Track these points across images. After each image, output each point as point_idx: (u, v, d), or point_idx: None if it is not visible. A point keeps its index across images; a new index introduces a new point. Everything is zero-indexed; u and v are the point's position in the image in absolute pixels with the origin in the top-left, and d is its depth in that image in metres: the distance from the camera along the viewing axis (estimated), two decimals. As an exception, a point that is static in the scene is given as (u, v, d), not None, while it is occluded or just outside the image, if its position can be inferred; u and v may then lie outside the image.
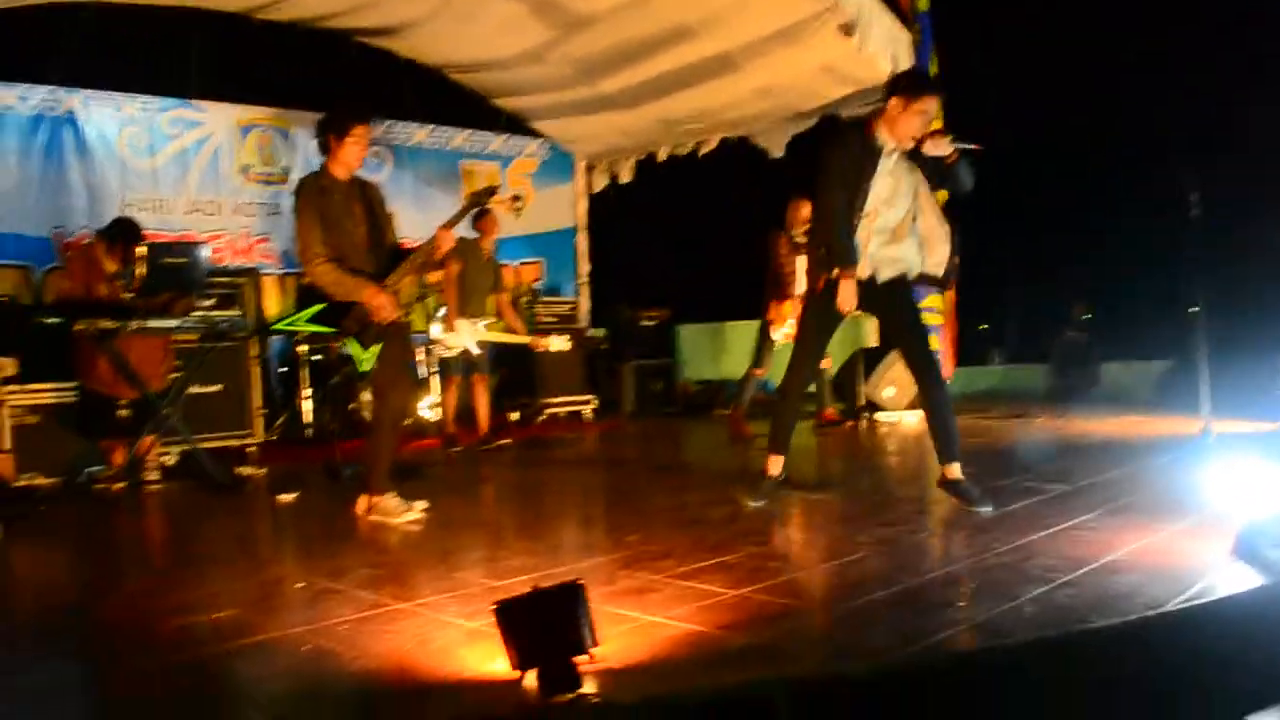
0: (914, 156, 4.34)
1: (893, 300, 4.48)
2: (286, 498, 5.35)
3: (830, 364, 7.87)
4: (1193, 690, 2.50)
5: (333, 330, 4.61)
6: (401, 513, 4.52)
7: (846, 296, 4.28)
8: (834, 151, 4.36)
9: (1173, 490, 4.38)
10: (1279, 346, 7.04)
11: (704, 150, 10.39)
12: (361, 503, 4.62)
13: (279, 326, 4.68)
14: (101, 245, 6.13)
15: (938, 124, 4.93)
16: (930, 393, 4.35)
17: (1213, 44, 11.27)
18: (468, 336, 7.28)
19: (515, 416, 9.21)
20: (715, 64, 8.80)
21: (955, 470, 4.25)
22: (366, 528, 4.51)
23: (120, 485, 5.79)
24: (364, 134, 4.69)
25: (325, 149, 4.71)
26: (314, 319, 4.60)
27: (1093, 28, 12.18)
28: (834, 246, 4.31)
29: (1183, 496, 4.15)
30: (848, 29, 7.88)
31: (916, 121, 4.21)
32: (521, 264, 10.77)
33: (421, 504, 4.61)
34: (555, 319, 9.70)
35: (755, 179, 10.07)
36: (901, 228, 4.39)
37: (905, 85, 4.27)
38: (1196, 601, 2.75)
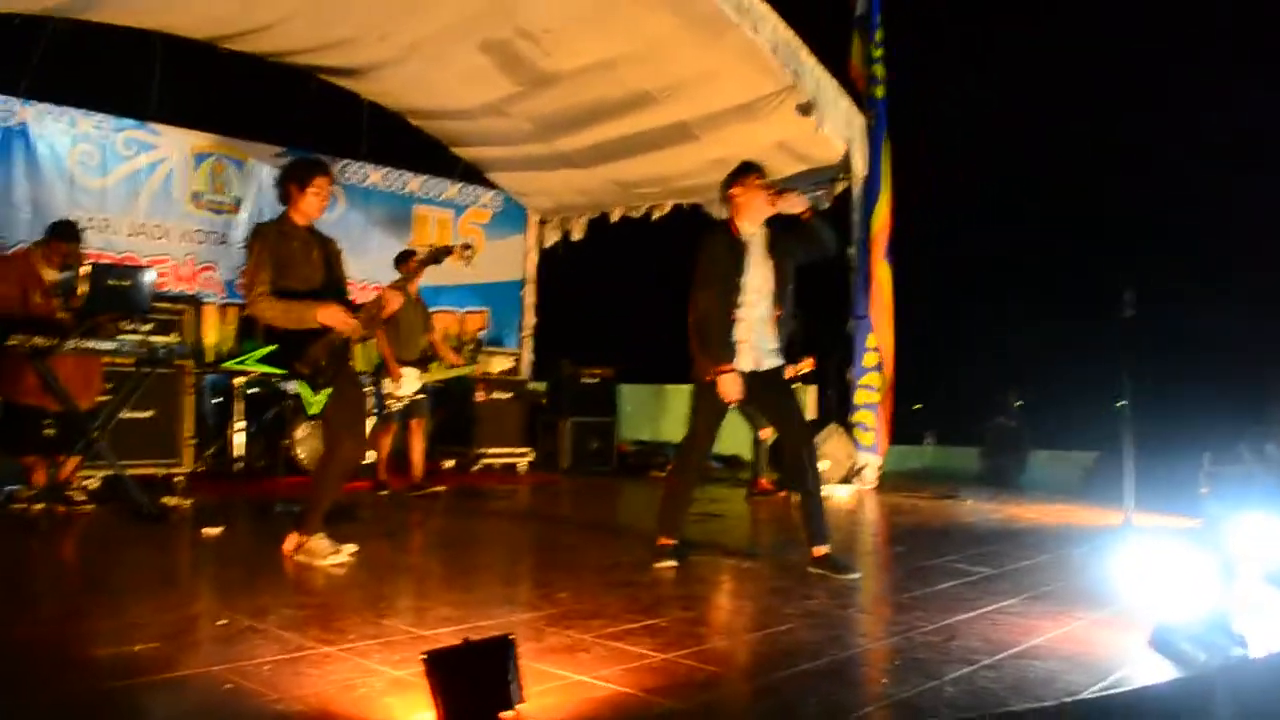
0: (774, 242, 4.61)
1: (776, 387, 4.72)
2: (212, 531, 5.25)
3: (769, 434, 7.97)
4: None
5: (283, 372, 4.55)
6: (329, 554, 4.46)
7: (729, 389, 4.51)
8: (706, 250, 4.60)
9: (1093, 579, 4.48)
10: (1204, 445, 7.22)
11: (657, 214, 10.55)
12: (290, 541, 4.55)
13: (228, 365, 4.62)
14: (38, 252, 6.03)
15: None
16: (807, 479, 4.64)
17: (1151, 134, 11.72)
18: (412, 383, 7.30)
19: (450, 464, 9.14)
20: (674, 132, 8.97)
21: (822, 550, 4.52)
22: (293, 567, 4.44)
23: (40, 506, 5.64)
24: (325, 185, 4.73)
25: (286, 198, 4.72)
26: (265, 359, 4.54)
27: (1037, 119, 12.60)
28: (711, 344, 4.52)
29: (1103, 586, 4.25)
30: (806, 109, 8.12)
31: (760, 194, 4.53)
32: (467, 312, 10.77)
33: (350, 548, 4.56)
34: (498, 370, 9.71)
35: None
36: (775, 315, 4.61)
37: (733, 175, 4.63)
38: (1113, 691, 2.81)
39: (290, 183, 4.71)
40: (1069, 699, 2.72)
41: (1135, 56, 11.88)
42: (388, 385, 7.35)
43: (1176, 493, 7.05)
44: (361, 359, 8.23)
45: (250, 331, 8.61)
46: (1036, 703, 2.67)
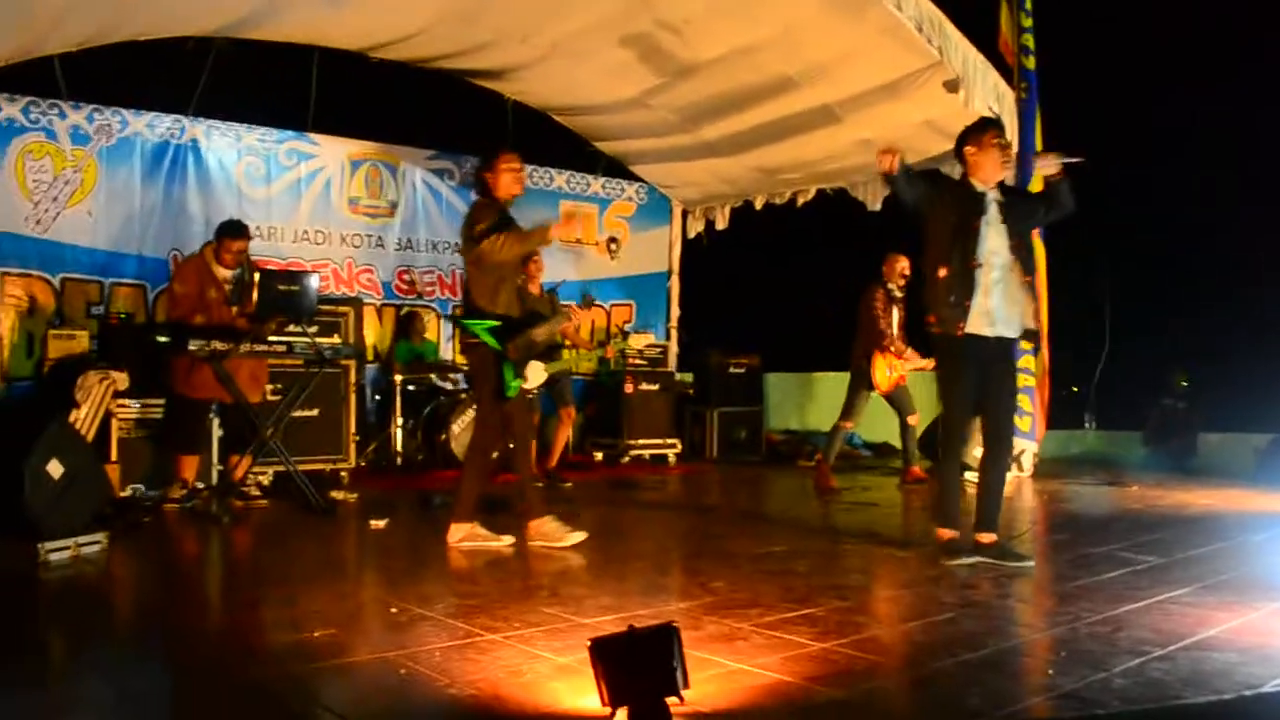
0: (1008, 203, 4.49)
1: (1005, 359, 4.60)
2: (378, 523, 5.50)
3: (918, 420, 7.88)
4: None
5: (499, 349, 4.89)
6: (565, 535, 4.86)
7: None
8: (940, 200, 4.47)
9: (1271, 568, 4.28)
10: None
11: (801, 200, 10.46)
12: (455, 531, 4.85)
13: (465, 322, 5.03)
14: (209, 251, 6.38)
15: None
16: (996, 461, 4.55)
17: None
18: (539, 374, 7.46)
19: (600, 456, 9.32)
20: (816, 115, 8.87)
21: (988, 538, 4.45)
22: (455, 558, 4.63)
23: (194, 504, 5.99)
24: (512, 160, 5.22)
25: (485, 189, 5.20)
26: (490, 331, 4.92)
27: (1198, 78, 11.97)
28: (941, 304, 4.42)
29: (1283, 576, 4.06)
30: (953, 85, 7.92)
31: (996, 153, 4.45)
32: (613, 305, 10.92)
33: (580, 535, 4.88)
34: (645, 362, 9.82)
35: (852, 231, 10.10)
36: (1008, 279, 4.46)
37: (969, 131, 4.54)
38: (1297, 685, 2.70)
39: (482, 173, 5.19)
40: (1249, 692, 2.62)
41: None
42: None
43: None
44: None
45: (406, 332, 8.99)
46: (1215, 696, 2.59)
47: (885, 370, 7.60)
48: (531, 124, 10.28)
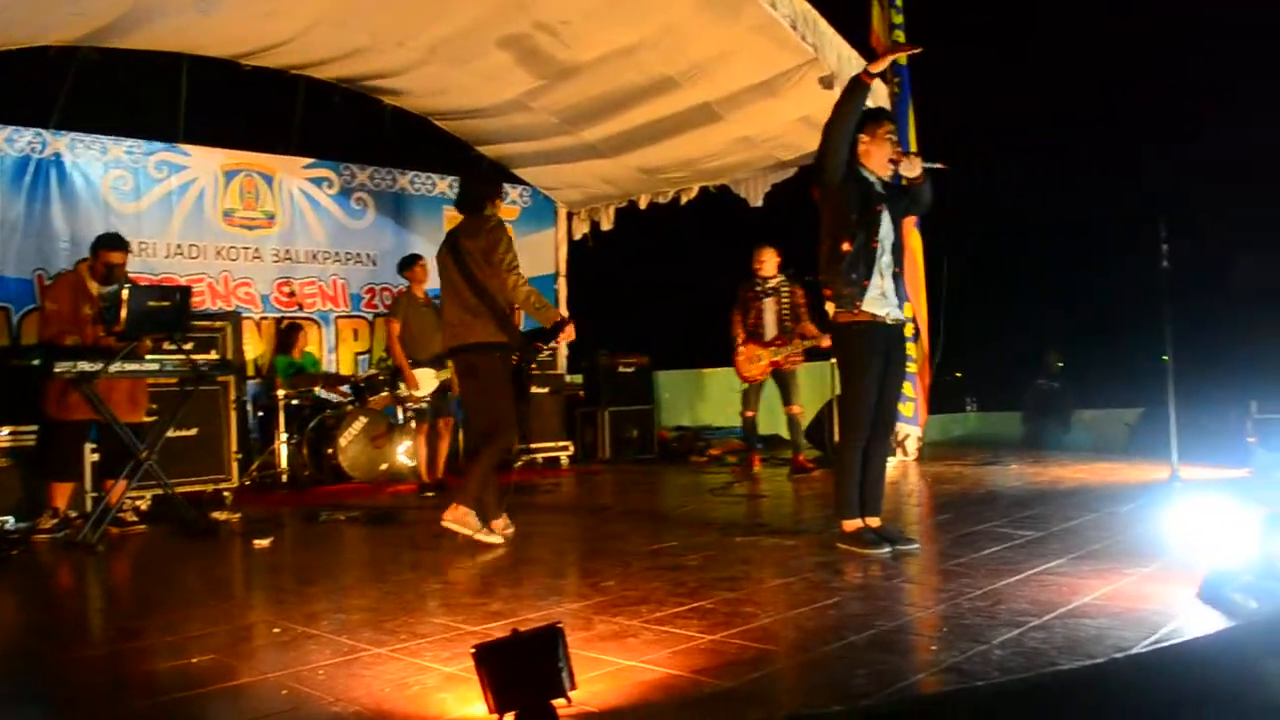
0: (889, 194, 4.58)
1: (900, 345, 4.70)
2: (261, 542, 5.34)
3: (801, 410, 8.04)
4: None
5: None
6: (484, 532, 5.16)
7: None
8: (840, 187, 4.50)
9: (1140, 536, 4.45)
10: (1250, 394, 7.13)
11: (685, 198, 10.54)
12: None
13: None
14: (84, 266, 6.11)
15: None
16: (881, 445, 4.64)
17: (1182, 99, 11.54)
18: (430, 383, 7.41)
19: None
20: (697, 114, 8.95)
21: (874, 522, 4.57)
22: (342, 573, 4.51)
23: (66, 534, 5.73)
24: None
25: (484, 206, 5.39)
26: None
27: (1071, 84, 12.45)
28: (845, 286, 4.46)
29: (1150, 542, 4.22)
30: (827, 82, 8.02)
31: (887, 146, 4.53)
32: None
33: (498, 538, 5.16)
34: (533, 366, 9.75)
35: (735, 227, 10.21)
36: (894, 266, 4.58)
37: (864, 119, 4.55)
38: (1164, 644, 2.80)
39: (492, 199, 5.43)
40: (1119, 655, 2.71)
41: None
42: (404, 389, 7.45)
43: (1224, 444, 6.97)
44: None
45: (288, 345, 8.78)
46: (1087, 660, 2.67)
47: (745, 362, 7.90)
48: (411, 129, 10.14)
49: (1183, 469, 6.16)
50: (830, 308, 4.54)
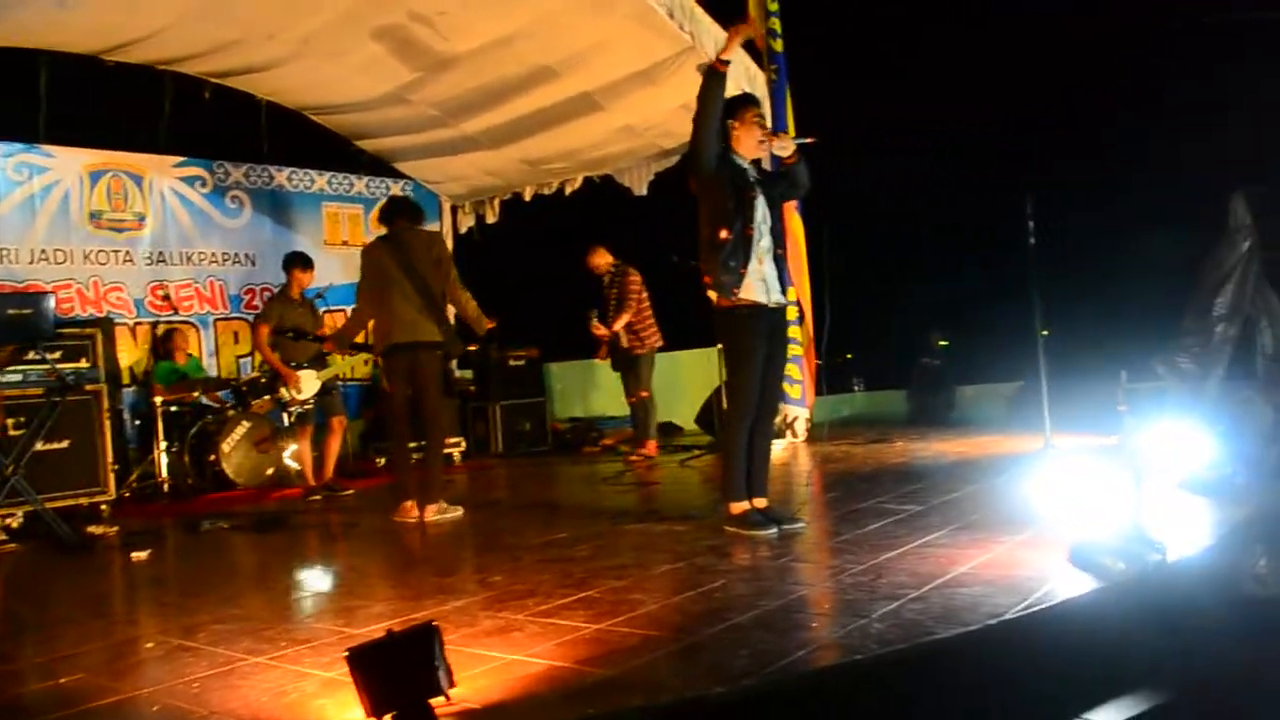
0: (763, 178, 4.65)
1: (783, 329, 4.75)
2: (140, 555, 5.14)
3: (642, 398, 8.33)
4: (1034, 692, 2.63)
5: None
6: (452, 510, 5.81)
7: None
8: (715, 173, 4.51)
9: (1015, 505, 4.57)
10: (1120, 364, 7.39)
11: (570, 189, 10.50)
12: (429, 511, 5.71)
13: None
14: None
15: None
16: (766, 428, 4.68)
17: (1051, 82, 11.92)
18: (312, 384, 7.24)
19: (382, 461, 9.04)
20: (578, 104, 8.91)
21: (761, 503, 4.62)
22: (223, 583, 4.37)
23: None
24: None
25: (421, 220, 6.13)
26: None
27: (944, 68, 12.76)
28: (725, 271, 4.47)
29: (1024, 510, 4.34)
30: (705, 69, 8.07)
31: (756, 130, 4.58)
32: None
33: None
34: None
35: (621, 216, 10.22)
36: (772, 250, 4.61)
37: (731, 105, 4.59)
38: (1036, 608, 2.88)
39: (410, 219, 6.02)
40: (994, 620, 2.78)
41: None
42: (286, 391, 7.26)
43: (1097, 413, 7.22)
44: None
45: (166, 350, 8.48)
46: (963, 628, 2.73)
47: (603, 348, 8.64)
48: (288, 124, 9.88)
49: (1057, 438, 6.38)
50: (713, 295, 4.55)
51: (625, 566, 3.95)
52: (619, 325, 8.30)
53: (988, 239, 10.76)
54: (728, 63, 4.51)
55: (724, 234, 4.46)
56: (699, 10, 7.73)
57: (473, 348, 7.56)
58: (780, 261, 4.63)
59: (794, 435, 8.57)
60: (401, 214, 6.03)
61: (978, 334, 11.59)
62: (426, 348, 5.82)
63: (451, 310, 6.22)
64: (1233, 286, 6.24)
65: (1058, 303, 6.50)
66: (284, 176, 10.08)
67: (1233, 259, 6.22)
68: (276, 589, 4.15)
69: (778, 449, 8.04)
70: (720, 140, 4.51)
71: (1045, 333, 6.44)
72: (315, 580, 4.32)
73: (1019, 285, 6.60)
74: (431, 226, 11.13)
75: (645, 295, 8.46)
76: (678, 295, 8.06)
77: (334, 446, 7.43)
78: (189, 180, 9.34)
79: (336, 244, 10.22)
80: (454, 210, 11.36)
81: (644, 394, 8.42)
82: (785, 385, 8.58)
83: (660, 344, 8.51)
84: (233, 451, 7.71)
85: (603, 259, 8.57)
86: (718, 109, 4.46)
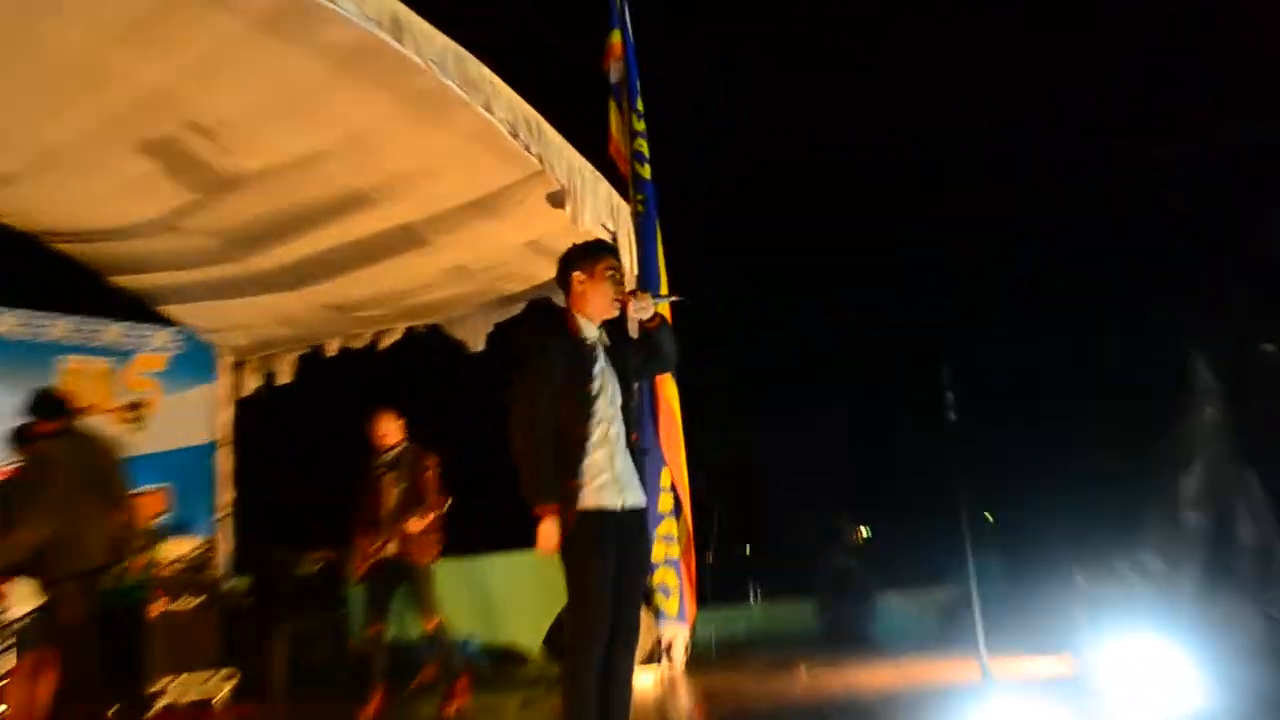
0: (614, 348, 4.71)
1: (640, 535, 4.73)
2: None
3: (434, 625, 7.80)
4: None
5: None
6: None
7: (547, 536, 4.43)
8: (538, 356, 4.57)
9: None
10: (1077, 559, 7.54)
11: (386, 342, 10.49)
12: None
13: None
14: None
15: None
16: (622, 659, 4.60)
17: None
18: (26, 600, 6.92)
19: (113, 711, 8.39)
20: (397, 238, 8.96)
21: None
22: None
23: None
24: None
25: None
26: None
27: (842, 226, 13.41)
28: (546, 477, 4.45)
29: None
30: (557, 199, 8.25)
31: (608, 287, 4.64)
32: (142, 493, 10.29)
33: None
34: (182, 566, 9.22)
35: (457, 378, 10.23)
36: (624, 437, 4.64)
37: (579, 254, 4.74)
38: None
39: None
40: None
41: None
42: None
43: (1047, 625, 7.36)
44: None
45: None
46: None
47: (356, 556, 7.87)
48: (20, 253, 9.68)
49: (996, 663, 6.45)
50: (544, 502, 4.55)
51: None
52: (418, 526, 7.80)
53: (913, 394, 11.10)
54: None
55: (561, 432, 4.50)
56: (548, 129, 7.91)
57: None
58: (636, 451, 4.68)
59: (670, 661, 8.49)
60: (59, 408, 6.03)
61: (903, 519, 11.78)
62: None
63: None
64: (1202, 464, 6.56)
65: (998, 481, 6.69)
66: (13, 321, 9.85)
67: (1200, 432, 6.52)
68: None
69: (646, 682, 7.94)
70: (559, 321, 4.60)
71: (989, 516, 6.60)
72: None
73: (939, 460, 6.80)
74: (204, 388, 11.02)
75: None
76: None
77: (42, 686, 6.98)
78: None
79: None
80: (236, 367, 11.23)
81: (437, 619, 7.81)
82: (659, 598, 8.54)
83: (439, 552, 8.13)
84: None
85: (391, 431, 8.03)
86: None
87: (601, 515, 4.50)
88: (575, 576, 4.59)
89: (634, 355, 4.75)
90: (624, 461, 4.60)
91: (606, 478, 4.53)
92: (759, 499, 12.77)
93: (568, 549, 4.57)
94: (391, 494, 7.83)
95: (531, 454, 4.47)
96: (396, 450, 7.93)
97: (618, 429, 4.60)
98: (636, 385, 4.73)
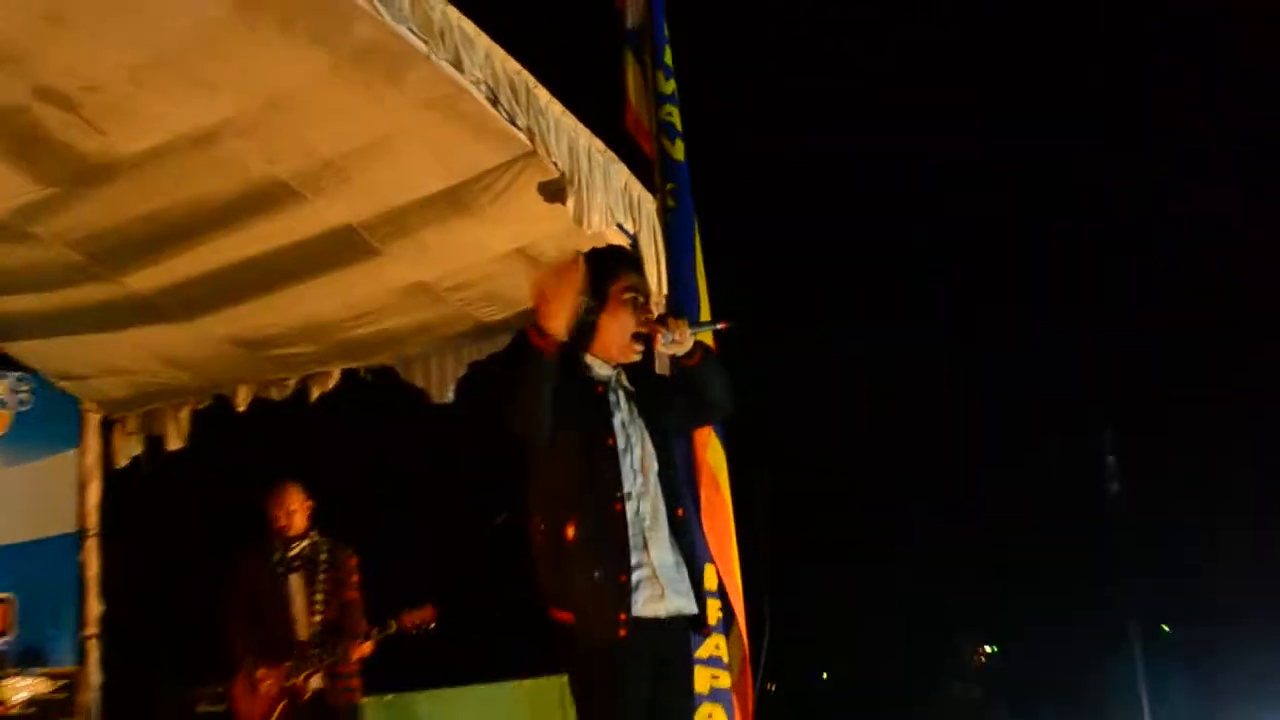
0: (641, 393, 4.71)
1: (680, 654, 4.73)
2: None
3: None
4: None
5: None
6: None
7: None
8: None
9: None
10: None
11: (317, 391, 10.48)
12: None
13: None
14: None
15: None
16: None
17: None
18: None
19: None
20: (333, 246, 8.89)
21: None
22: None
23: None
24: None
25: None
26: None
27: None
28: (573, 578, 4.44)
29: None
30: (555, 190, 8.14)
31: (628, 315, 4.62)
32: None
33: None
34: (33, 710, 9.22)
35: (415, 437, 10.23)
36: (661, 514, 4.61)
37: (587, 270, 4.61)
38: None
39: None
40: None
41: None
42: None
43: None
44: None
45: None
46: None
47: (242, 696, 7.81)
48: None
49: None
50: (563, 615, 4.52)
51: None
52: (362, 652, 7.74)
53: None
54: (547, 337, 4.43)
55: (571, 530, 4.46)
56: (544, 95, 7.78)
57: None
58: (679, 527, 4.64)
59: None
60: None
61: (1041, 632, 11.81)
62: None
63: None
64: None
65: (1174, 578, 6.69)
66: None
67: None
68: None
69: None
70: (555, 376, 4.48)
71: (1165, 629, 6.61)
72: None
73: (1090, 545, 6.80)
74: (61, 456, 11.04)
75: None
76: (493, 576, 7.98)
77: None
78: None
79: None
80: (107, 428, 11.27)
81: None
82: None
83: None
84: None
85: (295, 511, 8.20)
86: (539, 383, 4.42)
87: (638, 626, 4.45)
88: (595, 710, 4.56)
89: (669, 408, 4.71)
90: (668, 553, 4.57)
91: (643, 575, 4.49)
92: (840, 606, 12.76)
93: (582, 671, 4.54)
94: (300, 603, 7.74)
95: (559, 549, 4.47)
96: (306, 542, 7.85)
97: (649, 508, 4.57)
98: (674, 444, 4.69)
